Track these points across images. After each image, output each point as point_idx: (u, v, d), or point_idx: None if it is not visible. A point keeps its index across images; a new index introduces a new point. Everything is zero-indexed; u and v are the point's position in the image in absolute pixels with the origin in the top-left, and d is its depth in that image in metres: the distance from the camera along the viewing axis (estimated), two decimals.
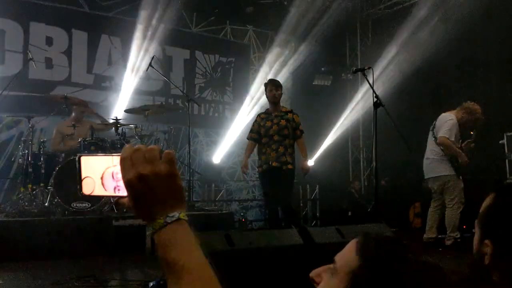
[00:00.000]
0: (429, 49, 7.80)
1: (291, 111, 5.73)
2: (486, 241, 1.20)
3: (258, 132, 5.65)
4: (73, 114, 6.31)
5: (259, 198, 9.37)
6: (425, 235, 5.54)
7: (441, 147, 5.44)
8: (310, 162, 9.84)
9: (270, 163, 5.44)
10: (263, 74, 9.42)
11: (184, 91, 8.11)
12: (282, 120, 5.55)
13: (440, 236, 5.59)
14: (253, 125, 5.78)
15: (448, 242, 5.33)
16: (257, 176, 9.37)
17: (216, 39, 9.43)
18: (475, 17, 7.14)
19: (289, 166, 5.45)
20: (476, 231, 1.29)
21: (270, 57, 9.52)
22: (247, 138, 5.85)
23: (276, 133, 5.51)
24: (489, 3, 6.97)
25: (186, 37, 9.00)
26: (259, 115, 5.81)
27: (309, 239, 2.93)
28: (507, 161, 6.65)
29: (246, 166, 5.67)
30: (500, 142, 6.73)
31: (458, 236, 5.32)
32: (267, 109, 5.80)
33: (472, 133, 5.59)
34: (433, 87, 7.33)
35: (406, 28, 8.59)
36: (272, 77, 9.41)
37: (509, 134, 6.64)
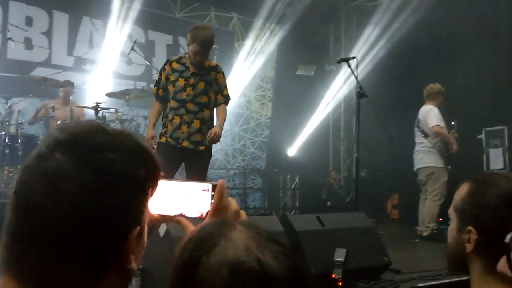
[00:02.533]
0: (409, 41, 7.89)
1: (215, 68, 4.22)
2: (470, 228, 1.21)
3: (166, 89, 4.15)
4: (60, 95, 6.33)
5: (239, 187, 9.38)
6: (419, 228, 5.61)
7: (429, 139, 5.55)
8: (291, 152, 9.90)
9: (179, 141, 4.04)
10: (247, 63, 9.38)
11: None
12: (200, 82, 4.08)
13: (416, 228, 5.71)
14: (160, 74, 4.22)
15: (426, 233, 5.43)
16: (238, 164, 9.51)
17: None
18: (455, 8, 7.24)
19: (203, 148, 4.11)
20: (453, 219, 1.31)
21: (253, 45, 9.47)
22: (154, 95, 4.27)
23: (191, 100, 4.06)
24: None
25: (169, 22, 8.88)
26: (169, 63, 4.18)
27: (290, 227, 2.94)
28: (484, 155, 6.79)
29: (153, 137, 4.07)
30: (478, 136, 6.87)
31: (436, 227, 5.42)
32: (182, 57, 4.21)
33: (453, 123, 5.74)
34: (413, 80, 7.41)
35: (388, 19, 8.67)
36: (256, 68, 9.42)
37: (487, 129, 6.78)
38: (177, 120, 4.05)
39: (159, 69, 4.31)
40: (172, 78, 4.10)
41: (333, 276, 2.71)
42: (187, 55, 4.15)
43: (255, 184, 9.75)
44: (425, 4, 7.84)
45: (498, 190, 1.19)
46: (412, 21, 8.11)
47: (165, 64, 4.23)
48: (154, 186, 0.79)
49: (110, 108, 6.04)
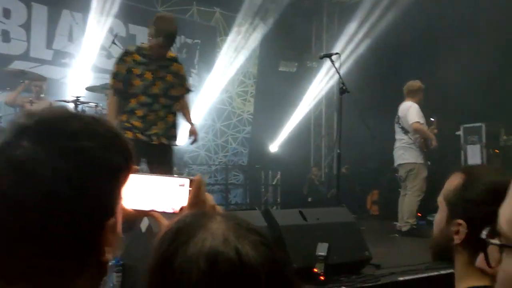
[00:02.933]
0: (391, 38, 7.96)
1: (176, 59, 4.12)
2: (459, 221, 1.22)
3: (128, 82, 3.84)
4: (32, 90, 6.20)
5: (221, 183, 9.36)
6: (398, 224, 5.67)
7: (409, 135, 5.62)
8: (273, 148, 9.92)
9: (154, 137, 3.89)
10: (230, 58, 9.34)
11: None
12: (168, 75, 3.96)
13: (395, 223, 5.78)
14: (118, 66, 3.87)
15: (405, 228, 5.50)
16: (220, 160, 9.48)
17: (182, 19, 9.26)
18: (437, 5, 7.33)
19: (175, 143, 4.07)
20: (441, 210, 1.31)
21: (235, 40, 9.44)
22: (112, 88, 3.92)
23: (163, 94, 3.92)
24: None
25: (151, 16, 8.67)
26: (129, 54, 3.89)
27: (272, 221, 2.95)
28: (462, 152, 6.91)
29: None
30: (457, 133, 6.98)
31: (415, 223, 5.49)
32: (141, 47, 3.96)
33: (433, 120, 5.83)
34: (395, 76, 7.49)
35: (370, 16, 8.74)
36: (239, 63, 9.39)
37: (466, 126, 6.90)
38: (151, 117, 3.90)
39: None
40: (137, 71, 3.85)
41: (315, 270, 2.72)
42: (146, 46, 3.94)
43: (237, 180, 9.75)
44: (407, 1, 7.92)
45: (487, 184, 1.20)
46: (394, 18, 8.19)
47: (125, 55, 3.91)
48: (127, 176, 0.77)
49: (90, 102, 5.95)
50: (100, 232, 0.70)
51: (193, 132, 4.10)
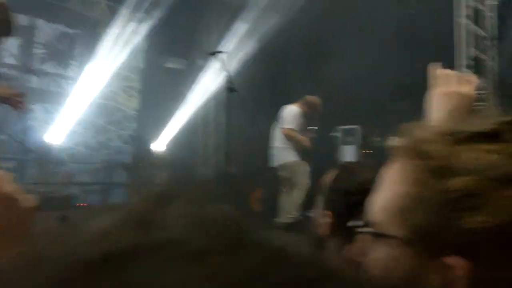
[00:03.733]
0: (280, 38, 8.18)
1: None
2: (327, 212, 1.28)
3: None
4: None
5: (102, 182, 8.91)
6: (279, 219, 5.82)
7: (286, 137, 5.83)
8: (159, 146, 9.69)
9: None
10: (112, 51, 8.92)
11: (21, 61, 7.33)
12: None
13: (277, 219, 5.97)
14: None
15: (285, 224, 5.70)
16: (102, 158, 9.00)
17: (63, 7, 8.64)
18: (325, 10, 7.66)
19: None
20: (317, 206, 1.38)
21: (120, 33, 9.06)
22: None
23: None
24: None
25: (27, 2, 8.07)
26: None
27: None
28: (339, 152, 7.39)
29: None
30: (332, 134, 7.45)
31: (295, 218, 5.72)
32: None
33: (312, 128, 6.16)
34: (282, 78, 7.75)
35: (259, 16, 8.91)
36: (123, 57, 9.00)
37: (343, 127, 7.38)
38: None
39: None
40: None
41: None
42: None
43: (119, 179, 9.34)
44: (296, 3, 8.16)
45: (356, 177, 1.27)
46: (282, 20, 8.42)
47: None
48: None
49: None
50: None
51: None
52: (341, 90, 7.13)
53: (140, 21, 9.31)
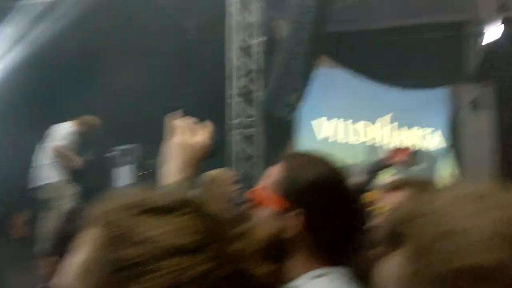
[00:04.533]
0: (53, 48, 7.50)
1: None
2: (299, 210, 1.13)
3: None
4: None
5: None
6: (37, 247, 5.29)
7: (54, 154, 5.57)
8: None
9: None
10: None
11: None
12: None
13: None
14: None
15: (41, 252, 5.26)
16: None
17: None
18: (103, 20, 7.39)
19: None
20: (264, 208, 1.20)
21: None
22: None
23: None
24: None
25: None
26: None
27: None
28: (114, 173, 7.14)
29: None
30: (109, 154, 7.18)
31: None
32: None
33: (89, 151, 5.98)
34: (54, 90, 7.16)
35: (30, 21, 8.06)
36: None
37: (119, 147, 7.19)
38: None
39: None
40: None
41: None
42: None
43: None
44: (72, 11, 7.58)
45: (312, 172, 1.17)
46: (54, 30, 7.71)
47: None
48: None
49: None
50: None
51: None
52: (118, 107, 6.98)
53: None
